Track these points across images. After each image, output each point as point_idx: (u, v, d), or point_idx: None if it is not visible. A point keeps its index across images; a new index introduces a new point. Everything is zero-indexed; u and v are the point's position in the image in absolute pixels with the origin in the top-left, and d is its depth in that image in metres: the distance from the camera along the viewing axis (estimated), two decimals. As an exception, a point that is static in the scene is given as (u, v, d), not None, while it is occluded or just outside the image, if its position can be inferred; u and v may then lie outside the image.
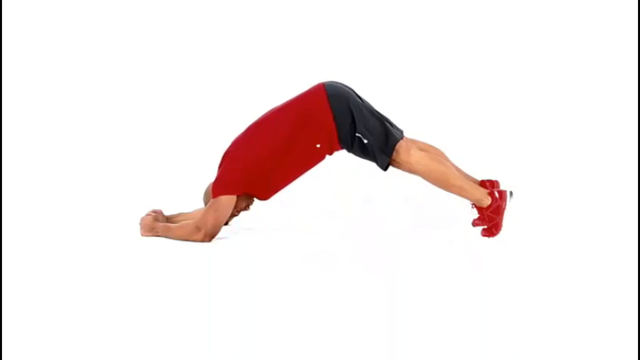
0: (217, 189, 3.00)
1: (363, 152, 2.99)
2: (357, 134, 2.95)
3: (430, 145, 3.11)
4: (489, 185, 2.96)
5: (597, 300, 2.23)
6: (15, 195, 3.87)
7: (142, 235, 3.09)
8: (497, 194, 2.91)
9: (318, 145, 2.99)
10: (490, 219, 2.91)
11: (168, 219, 3.20)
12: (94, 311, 2.16)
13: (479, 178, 3.04)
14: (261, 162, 3.00)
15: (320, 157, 3.05)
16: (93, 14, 4.89)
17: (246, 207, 3.17)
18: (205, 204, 3.16)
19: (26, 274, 2.56)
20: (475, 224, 2.95)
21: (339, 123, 2.95)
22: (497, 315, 2.11)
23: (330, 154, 3.06)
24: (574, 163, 4.39)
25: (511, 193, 2.95)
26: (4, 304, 2.20)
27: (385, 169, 2.98)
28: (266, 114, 3.12)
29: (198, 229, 2.97)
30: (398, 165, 2.97)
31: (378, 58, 4.97)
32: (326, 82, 3.05)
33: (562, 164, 4.39)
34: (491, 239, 2.94)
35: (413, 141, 3.07)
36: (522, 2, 4.87)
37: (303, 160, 3.04)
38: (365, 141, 2.94)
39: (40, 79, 4.84)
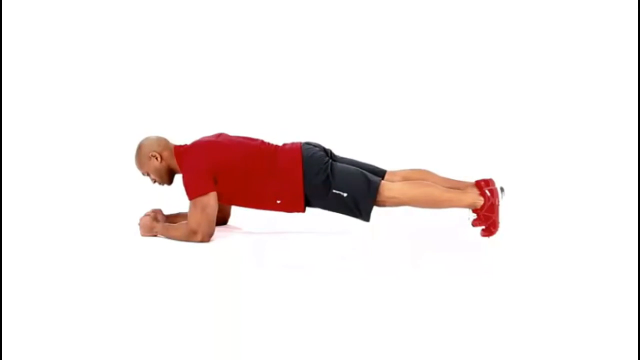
0: (192, 190, 2.98)
1: (344, 206, 3.00)
2: (333, 191, 2.97)
3: (412, 170, 3.15)
4: (484, 184, 2.96)
5: (598, 300, 2.24)
6: (16, 196, 3.85)
7: (142, 235, 3.08)
8: (488, 193, 2.92)
9: (278, 202, 3.04)
10: (486, 218, 2.92)
11: (168, 219, 3.20)
12: (93, 311, 2.16)
13: (476, 176, 3.03)
14: (226, 175, 3.01)
15: (275, 209, 3.08)
16: (93, 15, 4.87)
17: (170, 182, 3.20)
18: (137, 154, 3.14)
19: (26, 274, 2.56)
20: (475, 224, 2.97)
21: (307, 185, 2.99)
22: (496, 315, 2.13)
23: (288, 212, 3.08)
24: (575, 162, 4.39)
25: (502, 189, 2.95)
26: (4, 304, 2.19)
27: (368, 218, 2.99)
28: (246, 139, 3.15)
29: (194, 232, 2.97)
30: (383, 204, 2.99)
31: (376, 58, 4.97)
32: (303, 144, 3.09)
33: (562, 164, 4.39)
34: (491, 238, 2.95)
35: (393, 174, 3.12)
36: (520, 3, 4.88)
37: (259, 202, 3.08)
38: (345, 195, 2.96)
39: (40, 79, 4.82)
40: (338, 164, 3.07)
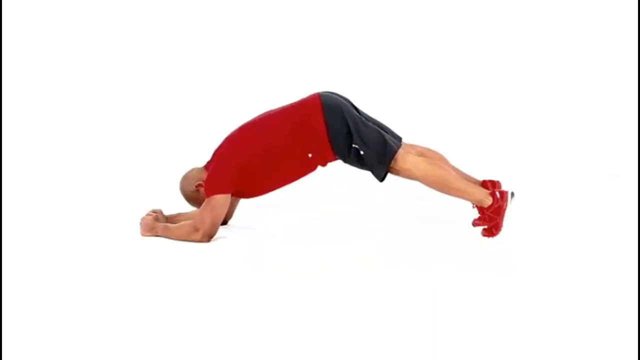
0: (211, 188, 2.99)
1: (360, 162, 2.98)
2: (353, 145, 2.94)
3: (429, 149, 3.11)
4: (491, 185, 2.96)
5: (598, 302, 2.23)
6: (16, 195, 3.87)
7: (142, 235, 3.08)
8: (498, 195, 2.90)
9: (310, 155, 2.99)
10: (490, 219, 2.90)
11: (168, 219, 3.20)
12: (94, 311, 2.16)
13: (481, 178, 3.03)
14: (254, 162, 3.00)
15: (311, 168, 3.05)
16: (93, 14, 4.91)
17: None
18: (183, 193, 3.15)
19: (27, 274, 2.56)
20: (475, 224, 2.94)
21: (332, 134, 2.94)
22: (494, 315, 2.11)
23: (324, 165, 3.05)
24: (576, 165, 4.38)
25: (512, 194, 2.93)
26: (4, 304, 2.20)
27: (381, 180, 2.98)
28: (261, 115, 3.12)
29: (196, 229, 2.97)
30: (396, 173, 2.97)
31: (380, 59, 4.99)
32: (322, 92, 3.05)
33: (563, 166, 4.39)
34: (491, 239, 2.92)
35: (411, 146, 3.07)
36: (523, 3, 4.89)
37: (294, 168, 3.04)
38: (362, 152, 2.93)
39: (40, 79, 4.86)
40: (361, 117, 2.99)
